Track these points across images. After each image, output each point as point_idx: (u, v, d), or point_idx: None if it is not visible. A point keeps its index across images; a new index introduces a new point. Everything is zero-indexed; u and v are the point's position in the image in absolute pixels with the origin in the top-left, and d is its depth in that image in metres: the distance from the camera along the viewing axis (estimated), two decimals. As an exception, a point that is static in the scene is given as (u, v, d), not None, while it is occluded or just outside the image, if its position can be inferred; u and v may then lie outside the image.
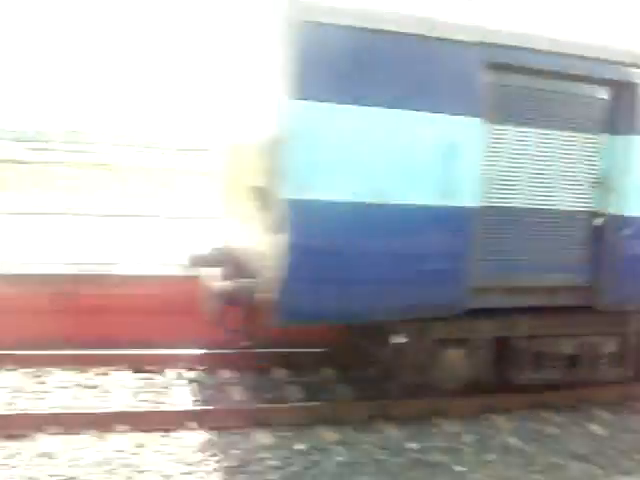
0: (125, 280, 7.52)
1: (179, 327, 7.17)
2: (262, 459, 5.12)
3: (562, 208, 5.97)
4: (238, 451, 5.21)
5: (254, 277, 5.60)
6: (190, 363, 7.05)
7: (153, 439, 5.29)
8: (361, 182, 5.14)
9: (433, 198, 5.37)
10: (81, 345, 6.86)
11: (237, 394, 6.39)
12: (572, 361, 6.34)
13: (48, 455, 4.91)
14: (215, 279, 5.66)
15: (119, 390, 6.29)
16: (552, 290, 6.09)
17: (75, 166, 23.03)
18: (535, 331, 6.18)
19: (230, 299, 5.49)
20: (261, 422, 5.67)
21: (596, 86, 5.97)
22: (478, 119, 5.43)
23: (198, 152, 31.99)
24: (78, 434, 5.22)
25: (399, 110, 5.14)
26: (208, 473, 4.86)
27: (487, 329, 6.04)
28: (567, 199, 5.98)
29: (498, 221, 5.72)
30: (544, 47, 5.55)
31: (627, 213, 6.08)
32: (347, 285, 5.23)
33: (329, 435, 5.61)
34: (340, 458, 5.24)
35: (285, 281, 5.06)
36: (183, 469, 4.89)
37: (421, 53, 5.22)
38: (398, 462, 5.26)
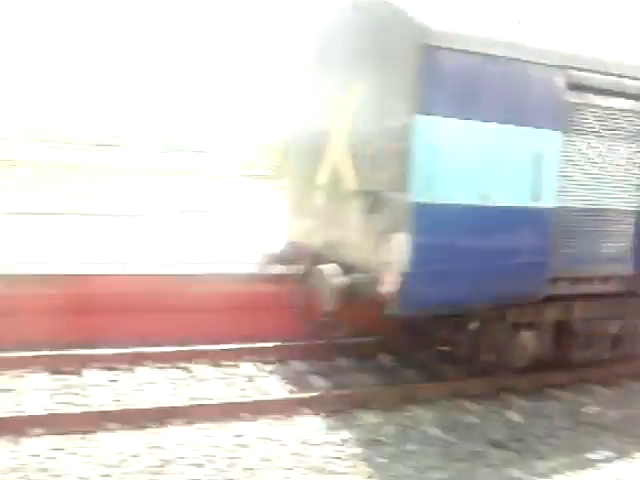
0: (203, 279, 7.96)
1: (258, 322, 7.74)
2: (375, 431, 5.79)
3: (615, 207, 6.92)
4: (356, 428, 5.85)
5: (362, 272, 6.23)
6: (264, 356, 7.58)
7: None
8: (472, 187, 5.89)
9: (525, 200, 6.19)
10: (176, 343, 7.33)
11: (317, 381, 6.98)
12: (616, 340, 7.35)
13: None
14: (333, 275, 6.22)
15: (202, 383, 6.77)
16: (605, 279, 7.04)
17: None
18: (587, 314, 7.12)
19: (350, 293, 6.09)
20: (363, 403, 6.32)
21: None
22: (558, 132, 6.29)
23: (114, 148, 32.03)
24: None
25: (503, 125, 5.93)
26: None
27: (551, 314, 6.92)
28: (619, 200, 6.94)
29: (567, 220, 6.59)
30: (611, 70, 6.47)
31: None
32: (458, 277, 5.98)
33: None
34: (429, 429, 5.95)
35: (408, 275, 5.73)
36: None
37: (519, 75, 6.01)
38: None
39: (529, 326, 6.81)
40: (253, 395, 6.44)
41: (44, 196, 16.51)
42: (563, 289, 6.74)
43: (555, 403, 6.89)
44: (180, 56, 72.81)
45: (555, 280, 6.59)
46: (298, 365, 7.48)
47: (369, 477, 5.03)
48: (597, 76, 6.46)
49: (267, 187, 23.94)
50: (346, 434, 5.67)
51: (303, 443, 5.44)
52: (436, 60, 5.60)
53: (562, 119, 6.31)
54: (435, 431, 5.92)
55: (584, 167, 6.64)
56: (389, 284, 5.85)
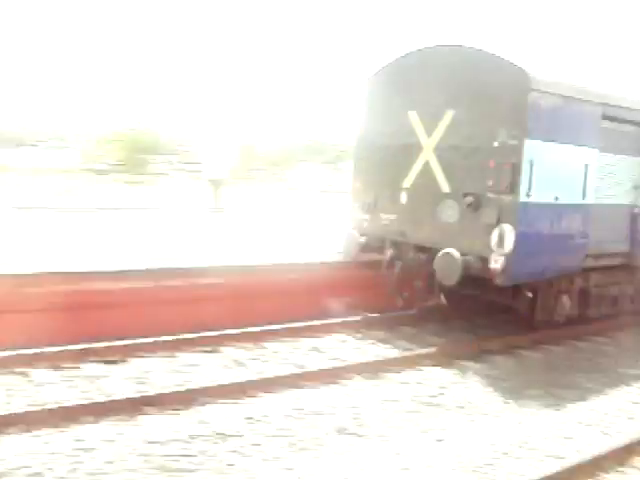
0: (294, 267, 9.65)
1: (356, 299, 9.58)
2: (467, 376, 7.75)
3: (621, 203, 9.48)
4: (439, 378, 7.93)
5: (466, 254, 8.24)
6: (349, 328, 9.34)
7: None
8: (551, 190, 8.14)
9: (578, 199, 8.54)
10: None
11: (426, 340, 8.93)
12: (615, 300, 9.97)
13: None
14: (457, 256, 8.13)
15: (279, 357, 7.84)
16: (612, 255, 9.59)
17: None
18: (598, 282, 9.64)
19: (467, 269, 8.11)
20: (448, 356, 8.31)
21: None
22: (596, 149, 8.70)
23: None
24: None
25: (582, 147, 8.24)
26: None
27: (578, 282, 9.35)
28: (623, 197, 9.51)
29: (597, 212, 9.00)
30: (632, 106, 8.99)
31: (649, 205, 9.81)
32: (541, 256, 8.23)
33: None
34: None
35: (513, 255, 7.88)
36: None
37: (578, 109, 8.34)
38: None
39: (566, 292, 9.22)
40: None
41: None
42: (590, 263, 9.20)
43: (577, 349, 9.38)
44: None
45: (587, 256, 9.03)
46: (408, 329, 9.34)
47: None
48: (619, 110, 8.95)
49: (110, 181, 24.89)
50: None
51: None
52: (536, 99, 7.78)
53: (599, 140, 8.73)
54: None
55: (608, 174, 9.12)
56: (497, 262, 7.97)
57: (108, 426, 5.65)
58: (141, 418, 5.85)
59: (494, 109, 8.05)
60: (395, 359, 7.93)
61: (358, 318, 9.38)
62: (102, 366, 7.08)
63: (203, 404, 6.23)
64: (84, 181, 24.80)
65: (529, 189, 7.90)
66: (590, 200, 8.78)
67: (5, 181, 21.75)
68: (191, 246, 10.66)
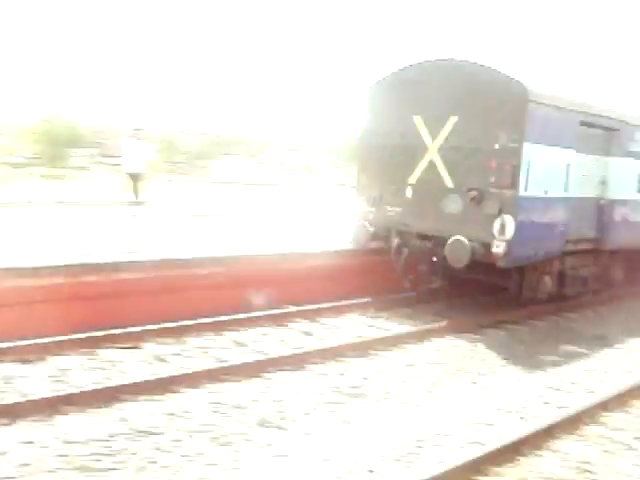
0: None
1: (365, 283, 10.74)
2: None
3: (590, 196, 11.03)
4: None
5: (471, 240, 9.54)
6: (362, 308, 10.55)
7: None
8: (542, 185, 9.56)
9: (561, 192, 10.00)
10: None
11: (423, 317, 10.21)
12: (585, 280, 11.54)
13: None
14: (466, 242, 9.43)
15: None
16: (585, 240, 11.13)
17: None
18: (572, 265, 11.17)
19: (473, 254, 9.42)
20: (456, 329, 9.65)
21: (609, 131, 11.10)
22: (574, 150, 10.19)
23: None
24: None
25: (565, 149, 9.68)
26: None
27: (557, 265, 10.84)
28: (594, 192, 11.07)
29: (575, 203, 10.48)
30: (601, 113, 10.52)
31: (612, 197, 11.38)
32: (534, 241, 9.64)
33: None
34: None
35: (513, 241, 9.25)
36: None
37: (563, 116, 9.78)
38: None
39: (547, 273, 10.69)
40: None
41: None
42: (569, 247, 10.70)
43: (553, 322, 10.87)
44: None
45: (567, 241, 10.52)
46: (406, 310, 10.48)
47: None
48: (592, 117, 10.48)
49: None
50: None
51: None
52: (533, 109, 9.17)
53: (576, 143, 10.22)
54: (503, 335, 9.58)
55: (582, 171, 10.63)
56: (499, 247, 9.33)
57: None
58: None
59: (495, 116, 9.39)
60: (408, 333, 9.17)
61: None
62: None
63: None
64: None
65: (526, 185, 9.29)
66: (570, 194, 10.26)
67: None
68: (106, 240, 10.41)
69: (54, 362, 7.11)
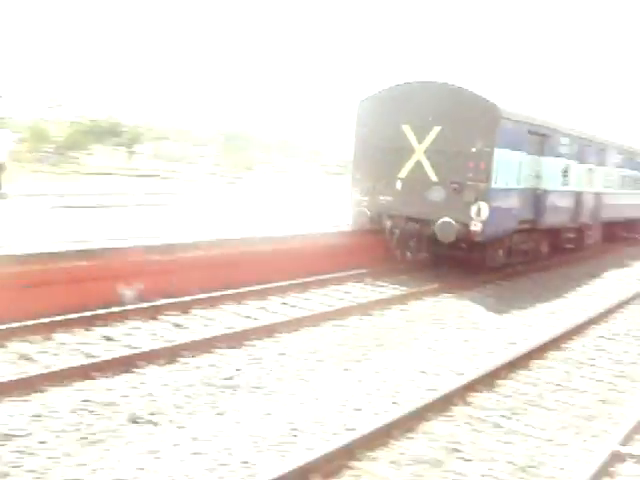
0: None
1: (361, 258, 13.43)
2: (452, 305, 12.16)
3: (532, 187, 14.29)
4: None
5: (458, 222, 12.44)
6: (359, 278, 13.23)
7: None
8: (507, 179, 12.65)
9: (515, 184, 13.16)
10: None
11: (407, 284, 13.02)
12: (526, 252, 14.84)
13: None
14: (453, 223, 12.30)
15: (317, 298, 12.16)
16: (527, 221, 14.38)
17: None
18: (517, 241, 14.40)
19: (458, 234, 12.34)
20: (447, 290, 12.60)
21: (543, 137, 14.38)
22: (525, 152, 13.37)
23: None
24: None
25: (519, 152, 12.82)
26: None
27: (507, 241, 14.00)
28: (532, 183, 14.34)
29: (521, 192, 13.67)
30: (541, 123, 13.77)
31: (544, 187, 14.72)
32: (503, 221, 12.74)
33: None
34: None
35: (487, 221, 12.27)
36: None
37: (520, 127, 12.91)
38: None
39: (500, 248, 13.83)
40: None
41: None
42: (520, 226, 13.90)
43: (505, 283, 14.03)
44: None
45: (519, 222, 13.72)
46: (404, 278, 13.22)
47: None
48: (533, 126, 13.72)
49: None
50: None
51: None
52: (502, 123, 12.22)
53: (525, 146, 13.41)
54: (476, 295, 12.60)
55: (526, 168, 13.84)
56: (476, 226, 12.31)
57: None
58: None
59: (473, 128, 12.35)
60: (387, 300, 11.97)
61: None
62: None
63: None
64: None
65: (496, 179, 12.34)
66: (520, 185, 13.46)
67: None
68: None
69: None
